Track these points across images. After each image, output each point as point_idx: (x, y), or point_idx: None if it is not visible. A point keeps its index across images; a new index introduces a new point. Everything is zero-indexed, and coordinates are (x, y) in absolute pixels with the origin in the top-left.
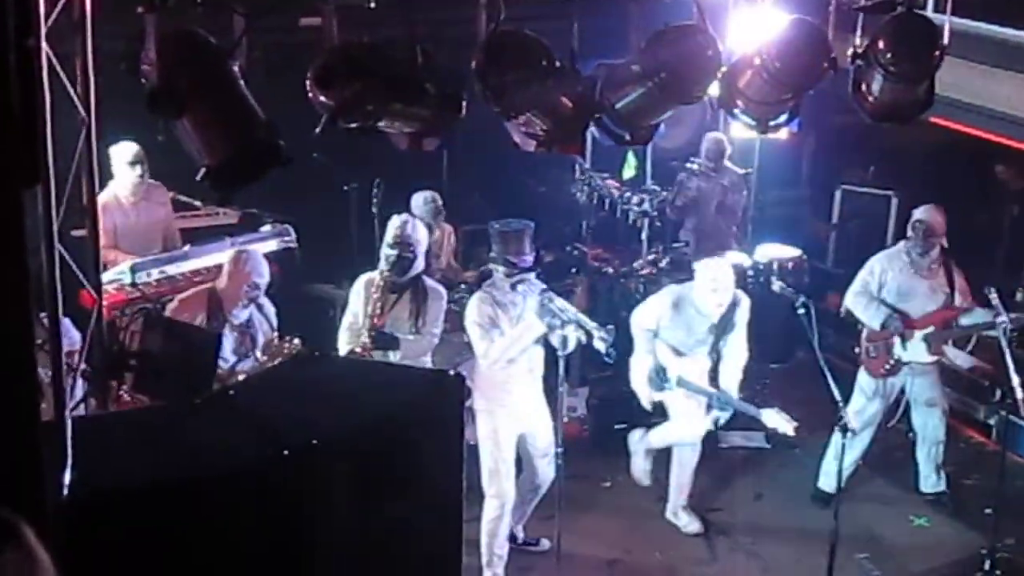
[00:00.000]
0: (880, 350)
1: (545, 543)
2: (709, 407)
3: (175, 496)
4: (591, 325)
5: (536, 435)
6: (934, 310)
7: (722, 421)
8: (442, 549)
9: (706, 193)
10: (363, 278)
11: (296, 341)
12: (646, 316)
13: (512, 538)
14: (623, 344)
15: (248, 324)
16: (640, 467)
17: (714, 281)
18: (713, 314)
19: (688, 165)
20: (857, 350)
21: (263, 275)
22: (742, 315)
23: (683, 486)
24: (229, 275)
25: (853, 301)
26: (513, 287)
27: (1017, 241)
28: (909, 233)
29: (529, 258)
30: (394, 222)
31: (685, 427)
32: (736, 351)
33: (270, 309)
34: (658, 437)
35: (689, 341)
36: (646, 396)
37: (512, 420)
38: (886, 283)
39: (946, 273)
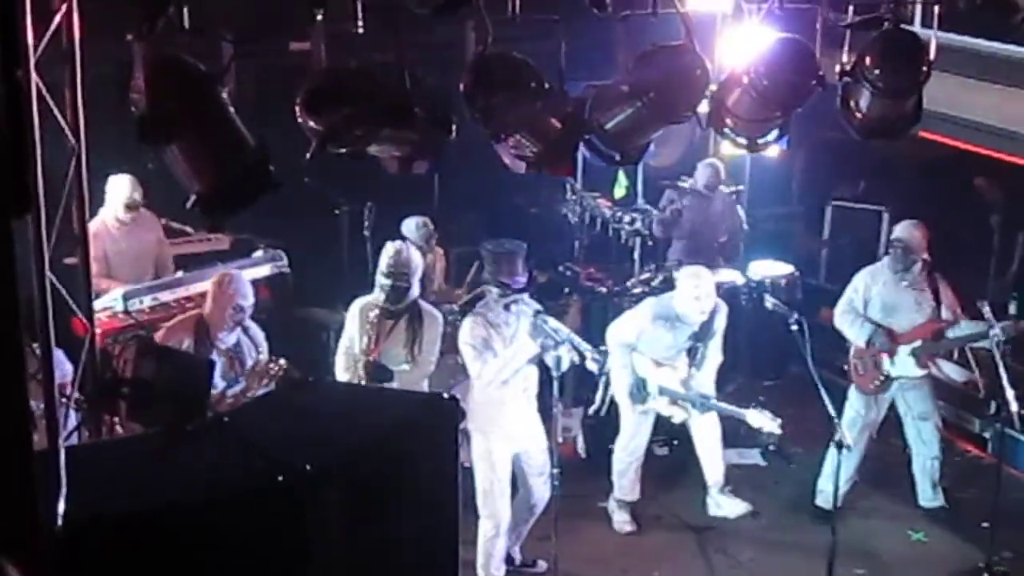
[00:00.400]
0: (868, 366)
1: (542, 564)
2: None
3: (170, 523)
4: (584, 347)
5: (531, 455)
6: (920, 324)
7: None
8: (439, 571)
9: (695, 213)
10: (358, 303)
11: (282, 362)
12: (625, 331)
13: (509, 560)
14: None
15: (236, 348)
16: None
17: (697, 288)
18: (696, 322)
19: (680, 184)
20: (846, 367)
21: (247, 297)
22: (720, 321)
23: (715, 465)
24: (213, 299)
25: (840, 319)
26: (507, 308)
27: (1007, 252)
28: (889, 251)
29: (522, 279)
30: (388, 250)
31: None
32: (713, 356)
33: (257, 332)
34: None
35: (670, 351)
36: (628, 410)
37: (506, 441)
38: (871, 299)
39: (931, 286)
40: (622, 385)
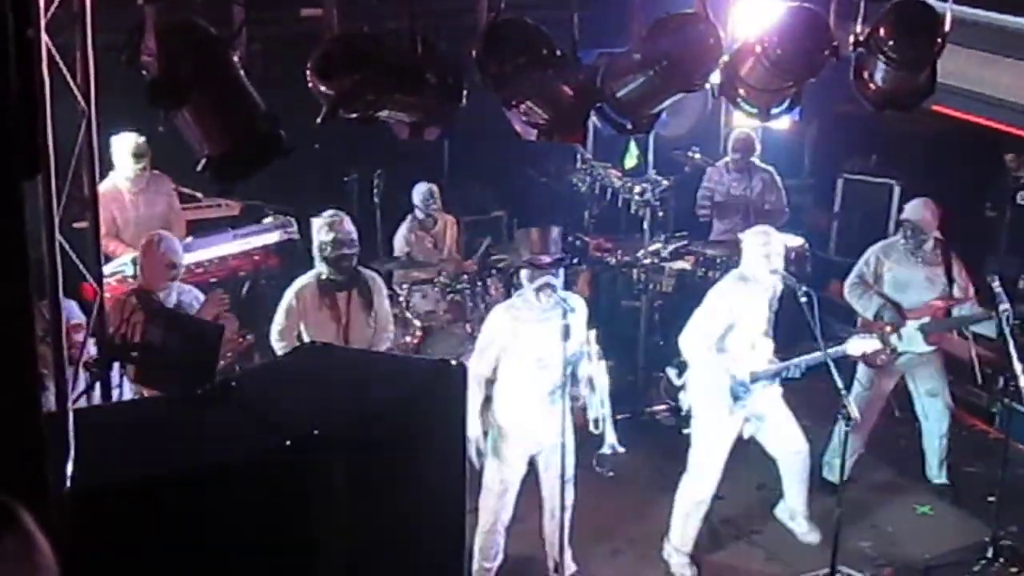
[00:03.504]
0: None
1: None
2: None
3: (176, 487)
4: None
5: (549, 459)
6: (930, 300)
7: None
8: (444, 538)
9: (735, 191)
10: (297, 286)
11: (249, 338)
12: (710, 330)
13: (558, 570)
14: (628, 336)
15: (177, 309)
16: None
17: (766, 246)
18: (770, 283)
19: (692, 156)
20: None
21: (179, 254)
22: (779, 291)
23: (800, 491)
24: (146, 262)
25: (849, 291)
26: (537, 294)
27: (1021, 229)
28: (900, 231)
29: (548, 257)
30: (323, 223)
31: (707, 468)
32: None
33: (197, 294)
34: (688, 498)
35: (758, 328)
36: (734, 415)
37: (522, 442)
38: (882, 274)
39: (944, 263)
40: (713, 394)
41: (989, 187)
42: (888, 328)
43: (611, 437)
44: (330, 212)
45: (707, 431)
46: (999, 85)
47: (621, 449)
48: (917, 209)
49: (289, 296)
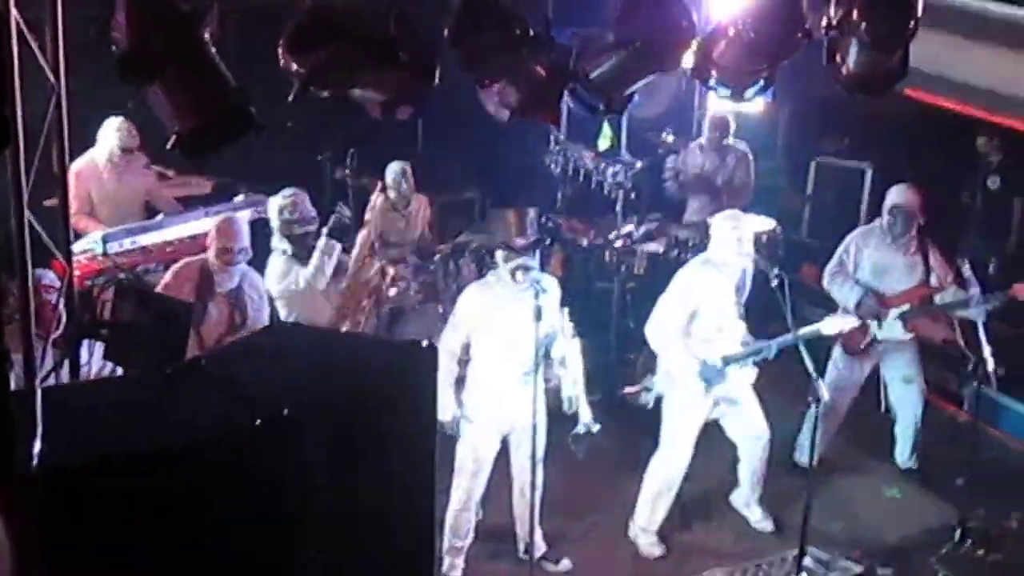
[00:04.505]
0: (856, 328)
1: (566, 564)
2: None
3: (146, 466)
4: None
5: (521, 439)
6: (910, 287)
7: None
8: (415, 517)
9: (710, 171)
10: (274, 266)
11: None
12: (673, 316)
13: (529, 549)
14: (600, 318)
15: (236, 293)
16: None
17: (736, 229)
18: (740, 266)
19: (665, 138)
20: None
21: (237, 239)
22: (750, 274)
23: (757, 477)
24: (210, 242)
25: (829, 280)
26: (512, 276)
27: (993, 213)
28: (887, 218)
29: (523, 240)
30: (284, 203)
31: (676, 450)
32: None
33: (257, 280)
34: (657, 479)
35: (725, 312)
36: (706, 398)
37: (495, 424)
38: (861, 261)
39: (922, 250)
40: (681, 379)
41: (961, 172)
42: (870, 317)
43: (586, 416)
44: (289, 191)
45: (677, 414)
46: (972, 69)
47: (596, 427)
48: (905, 193)
49: (275, 277)
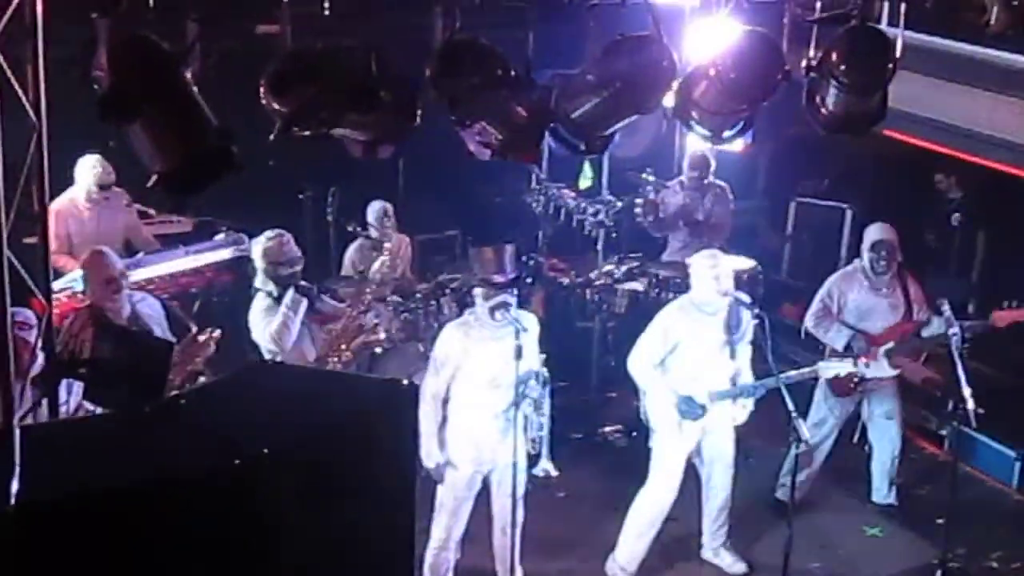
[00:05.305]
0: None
1: None
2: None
3: (123, 505)
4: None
5: (500, 477)
6: (894, 324)
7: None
8: (394, 557)
9: (690, 209)
10: (263, 306)
11: (216, 333)
12: (650, 351)
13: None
14: (581, 355)
15: (134, 321)
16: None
17: (714, 268)
18: (721, 306)
19: (645, 177)
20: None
21: (115, 266)
22: (747, 316)
23: (719, 514)
24: (89, 279)
25: (815, 325)
26: (492, 314)
27: (967, 251)
28: (869, 255)
29: (502, 276)
30: (271, 244)
31: (662, 485)
32: (744, 351)
33: (152, 302)
34: (642, 515)
35: (712, 350)
36: (689, 432)
37: (473, 464)
38: (846, 304)
39: (902, 286)
40: (663, 411)
41: (927, 211)
42: (862, 358)
43: (546, 462)
44: (273, 232)
45: (661, 448)
46: (949, 109)
47: (555, 473)
48: (887, 231)
49: (260, 320)
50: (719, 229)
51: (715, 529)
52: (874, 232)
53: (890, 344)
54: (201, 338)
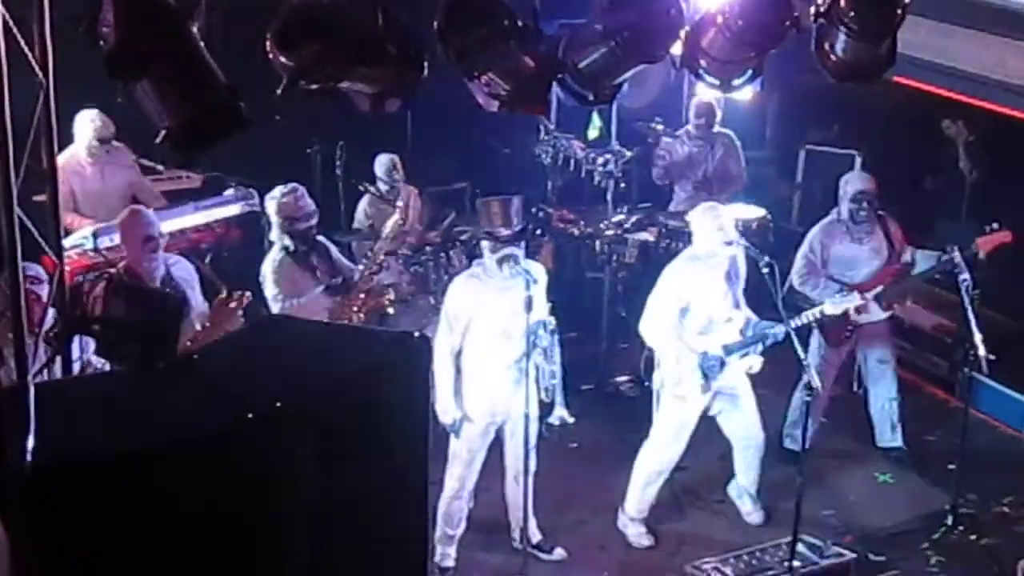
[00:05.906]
0: (838, 321)
1: (560, 552)
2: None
3: (138, 462)
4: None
5: (514, 428)
6: (880, 269)
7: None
8: (407, 509)
9: (696, 159)
10: (275, 263)
11: (248, 294)
12: (665, 312)
13: (523, 538)
14: (591, 306)
15: (168, 282)
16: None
17: (717, 219)
18: (726, 255)
19: (654, 126)
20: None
21: (153, 225)
22: (742, 261)
23: (751, 474)
24: (126, 239)
25: (801, 282)
26: (500, 265)
27: (978, 196)
28: (850, 205)
29: (508, 230)
30: (285, 200)
31: (670, 440)
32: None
33: (186, 265)
34: (650, 464)
35: (717, 304)
36: (706, 392)
37: (487, 416)
38: (829, 257)
39: (883, 229)
40: (682, 372)
41: (947, 156)
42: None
43: (561, 408)
44: (289, 187)
45: (676, 407)
46: (959, 55)
47: (571, 420)
48: (866, 180)
49: (272, 274)
50: (732, 181)
51: (748, 476)
52: (856, 182)
53: (879, 288)
54: (232, 304)
